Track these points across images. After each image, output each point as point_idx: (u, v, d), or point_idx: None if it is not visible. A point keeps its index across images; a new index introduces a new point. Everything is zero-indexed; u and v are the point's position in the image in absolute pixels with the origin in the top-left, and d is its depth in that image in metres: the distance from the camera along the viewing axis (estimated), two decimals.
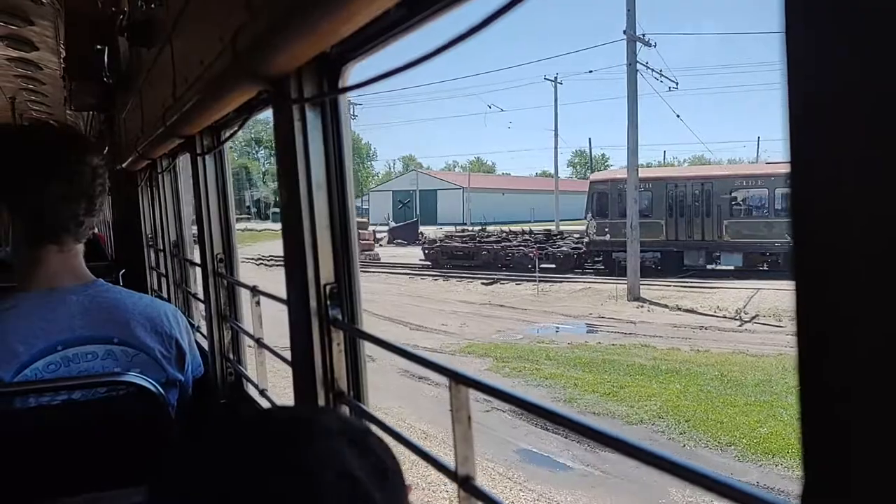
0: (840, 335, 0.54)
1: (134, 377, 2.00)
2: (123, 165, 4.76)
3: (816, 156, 0.54)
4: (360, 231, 40.57)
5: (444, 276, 34.10)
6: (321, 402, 1.71)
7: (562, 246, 34.83)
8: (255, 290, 2.65)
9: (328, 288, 1.68)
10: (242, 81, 1.69)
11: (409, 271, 36.24)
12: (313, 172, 1.63)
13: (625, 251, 27.82)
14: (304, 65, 1.52)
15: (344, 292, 1.69)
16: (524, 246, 35.30)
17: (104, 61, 4.67)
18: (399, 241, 51.80)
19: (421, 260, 38.03)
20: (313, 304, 1.68)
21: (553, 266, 32.87)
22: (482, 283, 31.17)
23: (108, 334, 2.03)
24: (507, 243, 36.43)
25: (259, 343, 2.61)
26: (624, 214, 29.19)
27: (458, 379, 1.17)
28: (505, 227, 48.82)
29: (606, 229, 31.71)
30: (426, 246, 37.95)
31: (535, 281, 29.35)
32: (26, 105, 9.95)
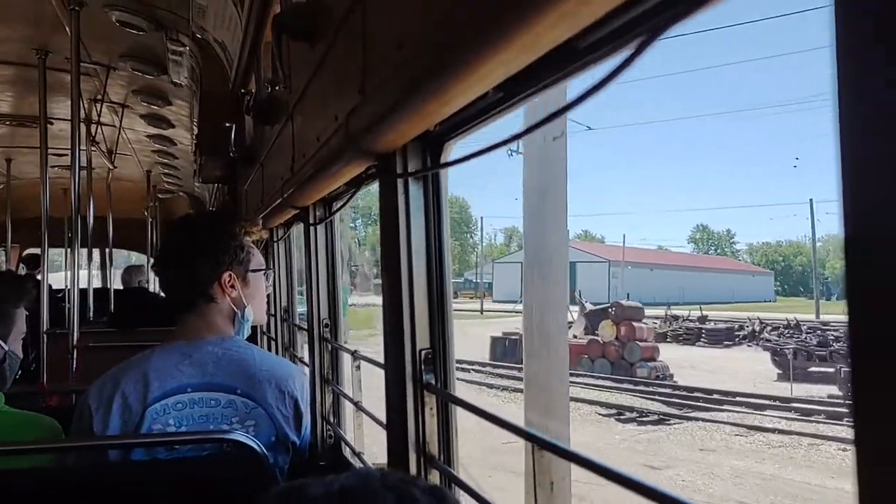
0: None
1: (239, 435, 2.12)
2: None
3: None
4: (635, 323, 26.81)
5: None
6: (412, 464, 1.75)
7: None
8: (356, 355, 2.75)
9: (423, 353, 1.75)
10: (354, 158, 1.83)
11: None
12: (413, 241, 1.73)
13: None
14: (409, 142, 1.64)
15: (438, 358, 1.75)
16: None
17: (231, 138, 5.05)
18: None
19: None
20: (409, 368, 1.75)
21: None
22: None
23: (233, 384, 2.25)
24: None
25: (357, 406, 2.70)
26: None
27: (541, 444, 1.20)
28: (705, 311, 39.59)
29: None
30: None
31: None
32: (160, 177, 10.79)
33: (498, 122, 1.50)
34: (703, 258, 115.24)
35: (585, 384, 23.60)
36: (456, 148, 1.70)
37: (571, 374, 22.47)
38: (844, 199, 0.58)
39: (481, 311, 62.19)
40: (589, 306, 34.06)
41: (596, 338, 27.28)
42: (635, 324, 26.89)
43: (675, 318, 42.00)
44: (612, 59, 1.04)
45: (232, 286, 2.37)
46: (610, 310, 27.87)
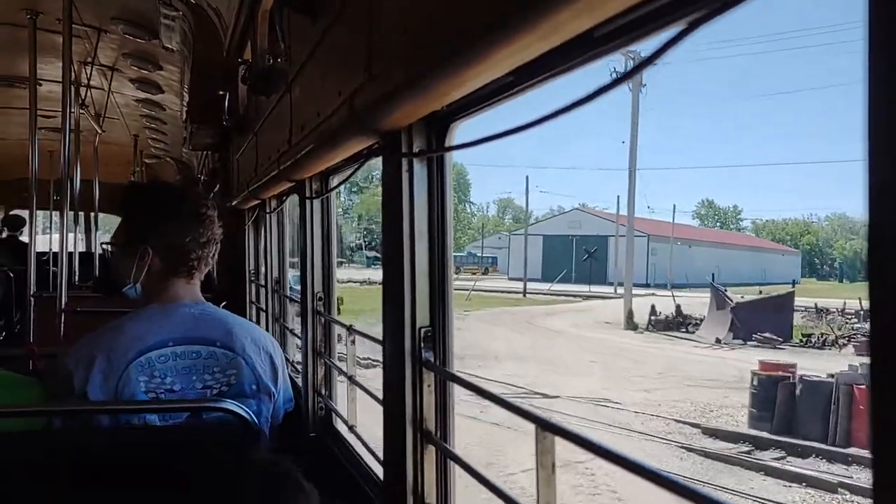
0: None
1: (230, 404, 2.14)
2: (233, 203, 5.06)
3: None
4: None
5: None
6: (409, 440, 1.78)
7: None
8: (350, 329, 2.77)
9: (423, 331, 1.77)
10: (357, 134, 1.83)
11: None
12: (416, 221, 1.74)
13: None
14: (415, 121, 1.65)
15: (438, 336, 1.77)
16: None
17: (224, 106, 5.00)
18: (759, 336, 22.13)
19: None
20: (408, 345, 1.77)
21: None
22: None
23: (212, 337, 2.33)
24: None
25: (351, 380, 2.73)
26: None
27: (544, 426, 1.23)
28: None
29: None
30: None
31: None
32: (147, 143, 10.68)
33: (505, 107, 1.51)
34: (734, 235, 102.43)
35: None
36: (461, 127, 1.70)
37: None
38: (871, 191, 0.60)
39: (524, 293, 49.00)
40: (735, 298, 22.51)
41: None
42: None
43: (826, 311, 30.58)
44: (626, 49, 1.05)
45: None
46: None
